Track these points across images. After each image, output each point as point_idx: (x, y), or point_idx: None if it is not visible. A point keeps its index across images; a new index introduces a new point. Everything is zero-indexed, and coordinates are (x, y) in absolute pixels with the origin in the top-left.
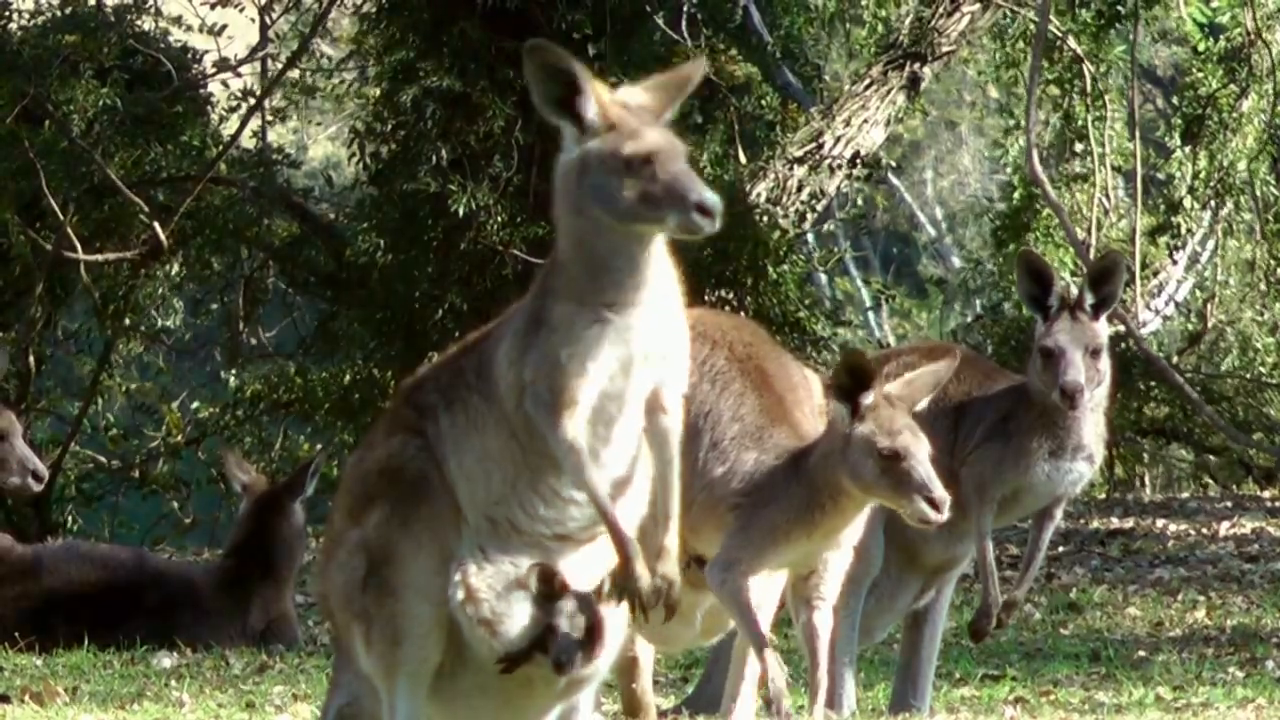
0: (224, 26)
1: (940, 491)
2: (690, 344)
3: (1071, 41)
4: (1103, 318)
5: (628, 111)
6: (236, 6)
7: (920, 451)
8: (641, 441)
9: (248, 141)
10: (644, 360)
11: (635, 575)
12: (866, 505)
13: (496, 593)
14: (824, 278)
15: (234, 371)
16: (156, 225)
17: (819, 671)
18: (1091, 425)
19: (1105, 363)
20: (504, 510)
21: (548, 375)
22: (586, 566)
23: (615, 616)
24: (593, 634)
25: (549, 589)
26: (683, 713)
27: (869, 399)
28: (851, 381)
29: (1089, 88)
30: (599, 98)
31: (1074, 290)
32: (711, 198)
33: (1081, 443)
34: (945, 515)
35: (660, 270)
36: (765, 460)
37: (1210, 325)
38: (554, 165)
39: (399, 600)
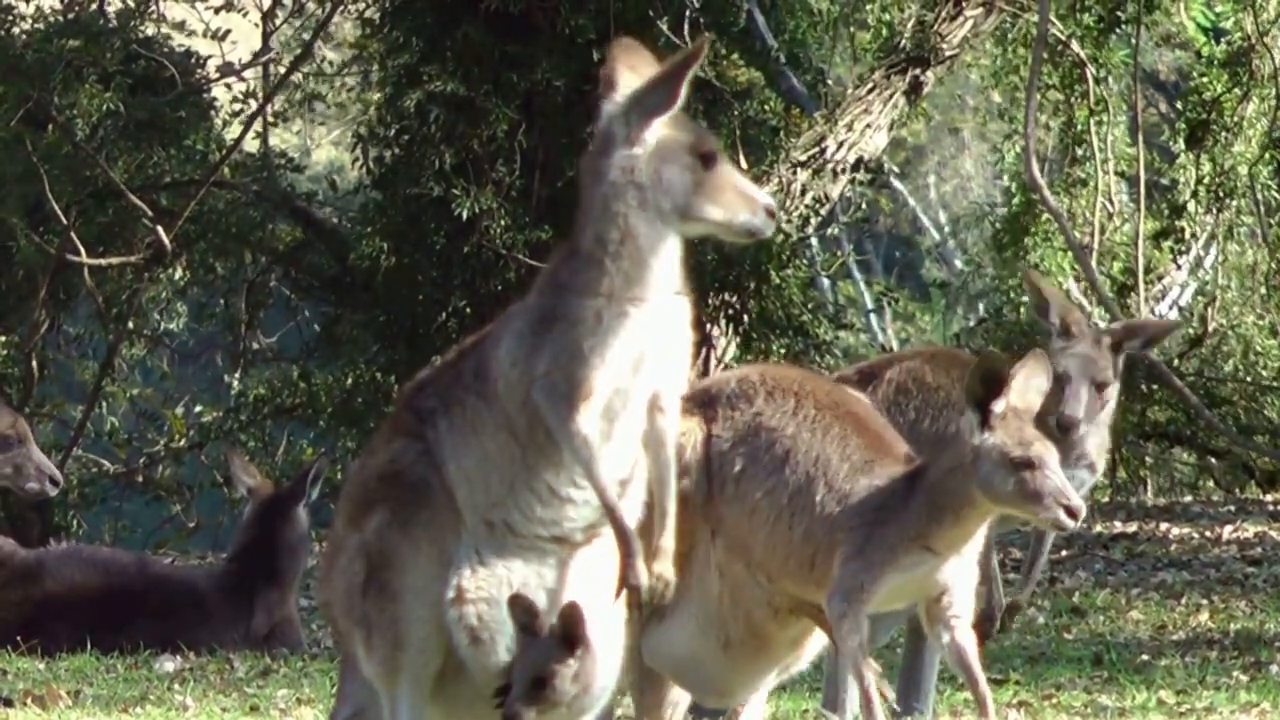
0: (227, 31)
1: (1076, 500)
2: (772, 399)
3: (1074, 45)
4: (1120, 356)
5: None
6: (240, 11)
7: (1052, 460)
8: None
9: (251, 146)
10: (654, 358)
11: (637, 571)
12: (989, 516)
13: (486, 598)
14: (827, 281)
15: (237, 376)
16: (160, 229)
17: (980, 687)
18: (1094, 437)
19: (1111, 393)
20: (501, 513)
21: (567, 368)
22: (581, 571)
23: (607, 646)
24: (541, 684)
25: (531, 622)
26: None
27: (999, 407)
28: (984, 389)
29: (1091, 92)
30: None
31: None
32: (774, 202)
33: (1083, 451)
34: (1079, 523)
35: (676, 271)
36: (877, 484)
37: (1212, 329)
38: (602, 158)
39: (399, 604)
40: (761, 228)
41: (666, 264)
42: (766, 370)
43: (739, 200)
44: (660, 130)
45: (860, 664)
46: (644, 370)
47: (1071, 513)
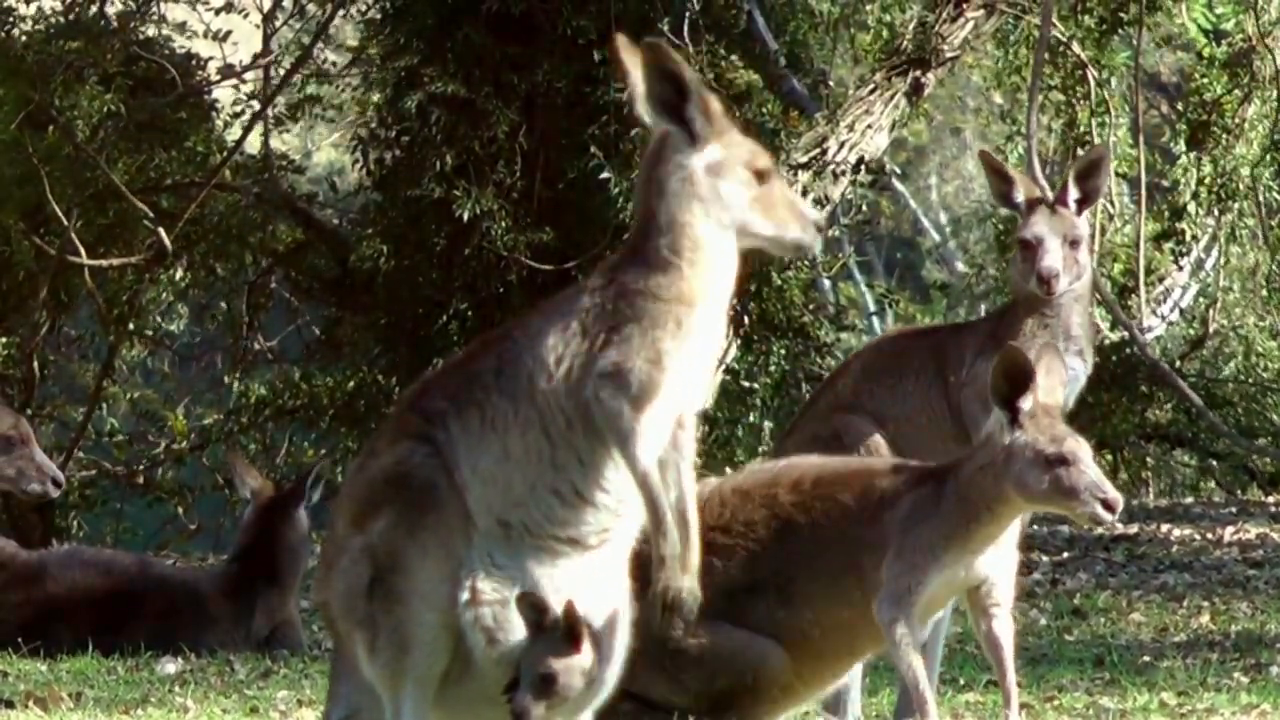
0: (228, 33)
1: (1113, 492)
2: (752, 525)
3: (1075, 47)
4: (1085, 212)
5: (731, 122)
6: (241, 12)
7: (1086, 454)
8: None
9: (252, 147)
10: (695, 370)
11: (678, 575)
12: (1024, 513)
13: (502, 598)
14: (828, 283)
15: (238, 377)
16: (161, 231)
17: (1007, 679)
18: (1079, 316)
19: (1085, 255)
20: (520, 513)
21: (641, 368)
22: (592, 572)
23: (612, 645)
24: (549, 680)
25: (540, 618)
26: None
27: (1028, 404)
28: (1008, 385)
29: (1092, 94)
30: (711, 106)
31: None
32: (821, 217)
33: (1071, 333)
34: (1117, 515)
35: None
36: (898, 512)
37: (1213, 330)
38: (660, 168)
39: (406, 607)
40: (811, 244)
41: (732, 273)
42: (724, 492)
43: (790, 216)
44: (716, 144)
45: (915, 670)
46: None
47: (1109, 505)
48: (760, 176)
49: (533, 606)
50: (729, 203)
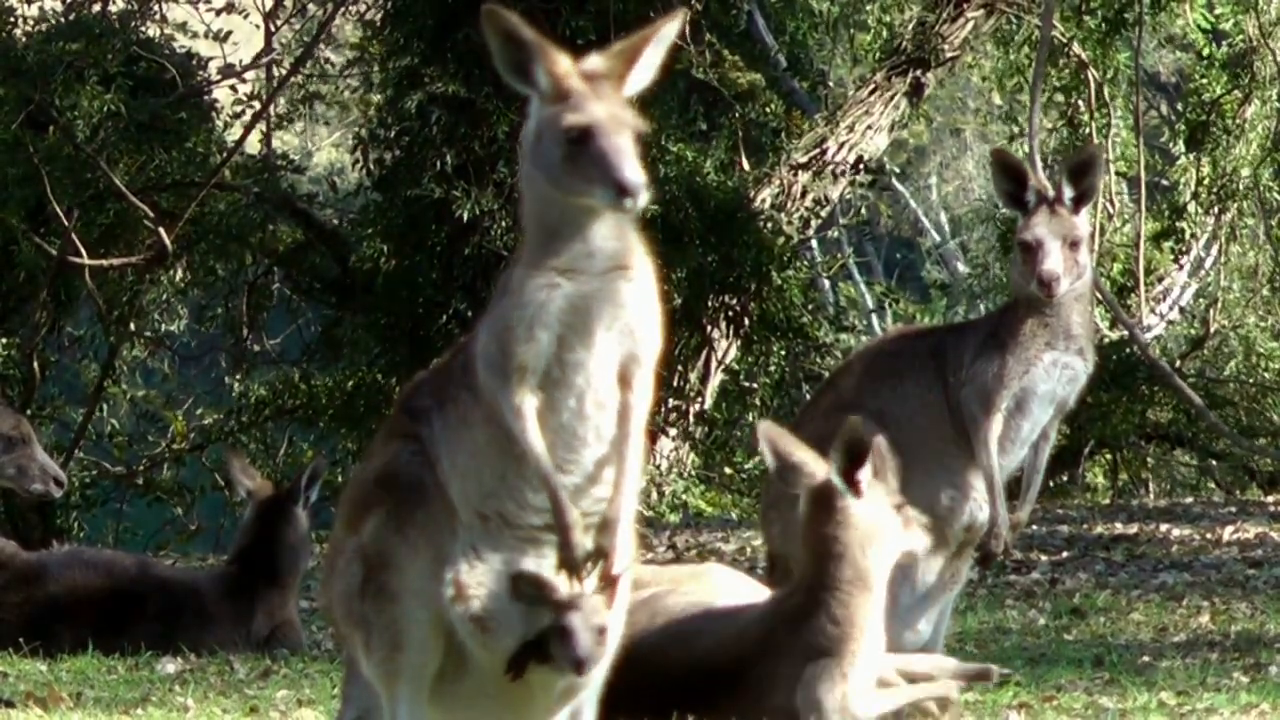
0: (229, 33)
1: (924, 517)
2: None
3: (1076, 47)
4: (1083, 211)
5: (583, 81)
6: (241, 13)
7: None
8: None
9: (252, 147)
10: (606, 332)
11: (572, 544)
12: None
13: (488, 590)
14: (827, 283)
15: (238, 378)
16: (161, 231)
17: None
18: (1079, 315)
19: (1085, 255)
20: (496, 504)
21: (499, 338)
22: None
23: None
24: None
25: (540, 593)
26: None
27: (866, 475)
28: (848, 461)
29: (1094, 94)
30: (552, 66)
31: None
32: (633, 178)
33: (1071, 332)
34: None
35: (622, 243)
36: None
37: (1213, 330)
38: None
39: (397, 605)
40: (616, 203)
41: (585, 235)
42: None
43: (596, 175)
44: (542, 108)
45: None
46: (598, 345)
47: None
48: (569, 135)
49: (533, 584)
50: (542, 164)
